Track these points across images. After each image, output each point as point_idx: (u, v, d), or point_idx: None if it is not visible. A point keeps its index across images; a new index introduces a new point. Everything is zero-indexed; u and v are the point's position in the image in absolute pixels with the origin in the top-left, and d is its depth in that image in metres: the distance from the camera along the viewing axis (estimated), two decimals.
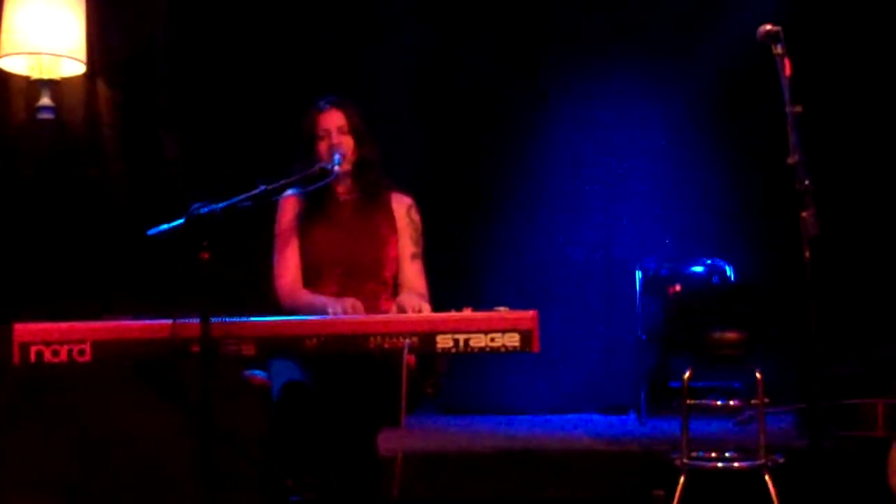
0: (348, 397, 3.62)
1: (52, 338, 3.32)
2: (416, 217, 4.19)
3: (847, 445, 4.99)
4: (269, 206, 3.90)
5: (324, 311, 3.67)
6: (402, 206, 4.18)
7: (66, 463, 4.89)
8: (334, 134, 4.05)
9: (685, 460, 4.68)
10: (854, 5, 6.67)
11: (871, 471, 4.62)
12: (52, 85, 5.03)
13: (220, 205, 3.30)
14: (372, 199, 4.14)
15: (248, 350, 3.32)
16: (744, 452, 4.80)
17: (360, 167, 4.11)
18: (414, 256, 4.14)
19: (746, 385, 5.66)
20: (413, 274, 4.12)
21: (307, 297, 3.99)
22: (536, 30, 7.14)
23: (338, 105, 4.11)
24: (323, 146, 4.05)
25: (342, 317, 3.57)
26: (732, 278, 6.32)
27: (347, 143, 4.05)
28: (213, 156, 5.61)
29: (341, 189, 4.15)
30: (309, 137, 4.10)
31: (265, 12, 6.12)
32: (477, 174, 7.16)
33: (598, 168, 7.21)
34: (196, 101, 5.66)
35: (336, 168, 3.93)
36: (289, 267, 4.08)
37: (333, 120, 4.08)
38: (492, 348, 3.24)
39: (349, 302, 3.73)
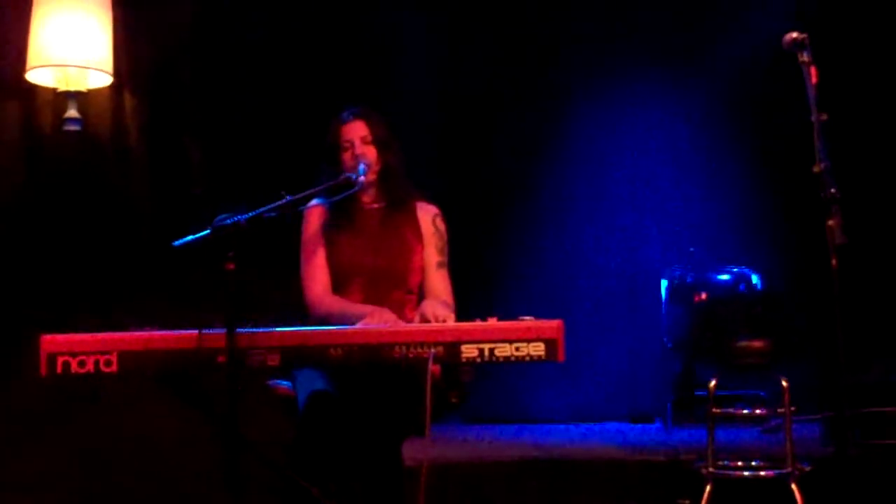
0: (373, 407, 3.63)
1: (78, 349, 3.34)
2: (441, 226, 4.19)
3: (874, 453, 4.96)
4: (294, 217, 3.92)
5: (359, 319, 3.69)
6: (427, 215, 4.18)
7: (89, 471, 4.92)
8: (357, 144, 4.06)
9: (711, 469, 4.67)
10: (880, 12, 6.64)
11: None
12: (79, 97, 5.05)
13: (246, 215, 3.31)
14: (397, 208, 4.15)
15: (274, 360, 3.32)
16: (770, 461, 4.78)
17: (385, 177, 4.13)
18: (440, 265, 4.14)
19: (772, 393, 5.63)
20: (439, 283, 4.12)
21: (340, 303, 4.00)
22: (560, 39, 7.15)
23: (361, 115, 4.13)
24: (347, 157, 4.07)
25: (368, 326, 3.58)
26: (759, 286, 6.29)
27: (371, 153, 4.07)
28: (238, 166, 5.63)
29: (366, 199, 4.16)
30: (333, 148, 4.12)
31: (289, 22, 6.15)
32: (501, 183, 7.19)
33: (623, 176, 7.22)
34: (221, 111, 5.68)
35: (361, 178, 3.94)
36: (318, 275, 4.09)
37: (356, 130, 4.09)
38: (517, 358, 3.24)
39: (389, 318, 3.75)
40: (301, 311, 4.04)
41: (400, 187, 4.17)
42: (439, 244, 4.16)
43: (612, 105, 7.19)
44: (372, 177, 4.06)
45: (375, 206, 4.17)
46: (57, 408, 4.82)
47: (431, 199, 4.24)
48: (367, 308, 3.85)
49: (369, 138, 4.08)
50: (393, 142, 4.16)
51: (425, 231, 4.16)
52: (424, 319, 3.67)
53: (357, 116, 4.12)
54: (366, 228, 4.12)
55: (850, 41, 6.52)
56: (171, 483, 4.96)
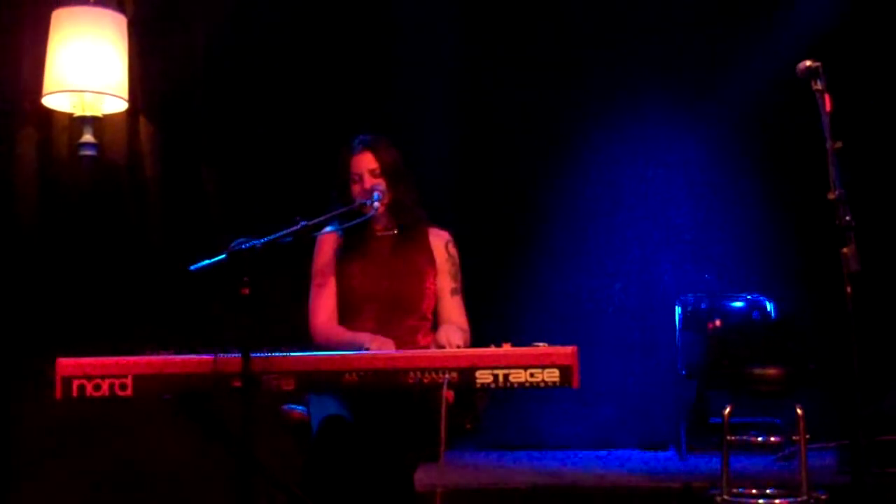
0: (387, 432, 3.62)
1: (93, 372, 3.33)
2: (454, 252, 4.19)
3: (890, 482, 4.94)
4: (308, 242, 3.92)
5: (360, 349, 3.68)
6: (440, 242, 4.18)
7: (103, 495, 4.93)
8: (366, 178, 4.04)
9: (726, 496, 4.65)
10: (894, 40, 6.65)
11: None
12: (95, 122, 5.07)
13: (261, 241, 3.32)
14: (410, 235, 4.15)
15: (288, 385, 3.32)
16: (785, 489, 4.76)
17: (395, 207, 4.11)
18: (454, 292, 4.15)
19: (787, 421, 5.63)
20: (453, 309, 4.13)
21: (342, 333, 3.99)
22: (576, 67, 7.16)
23: (369, 147, 4.09)
24: (356, 189, 4.06)
25: (381, 352, 3.57)
26: (773, 314, 6.29)
27: (380, 185, 4.04)
28: (252, 192, 5.64)
29: (379, 226, 4.15)
30: (342, 178, 4.11)
31: (302, 49, 6.17)
32: (515, 209, 7.18)
33: (637, 203, 7.22)
34: (236, 137, 5.69)
35: (375, 204, 3.94)
36: (324, 305, 4.08)
37: (365, 163, 4.07)
38: (531, 384, 3.23)
39: (388, 346, 3.74)
40: None
41: (411, 216, 4.16)
42: (452, 270, 4.17)
43: (626, 133, 7.20)
44: (382, 207, 4.05)
45: (388, 233, 4.16)
46: (72, 431, 4.83)
47: (443, 225, 4.24)
48: (367, 337, 3.84)
49: (378, 170, 4.06)
50: (403, 170, 4.13)
51: (438, 258, 4.16)
52: (439, 346, 3.68)
53: (366, 147, 4.09)
54: (378, 255, 4.12)
55: (865, 69, 6.53)
56: None
